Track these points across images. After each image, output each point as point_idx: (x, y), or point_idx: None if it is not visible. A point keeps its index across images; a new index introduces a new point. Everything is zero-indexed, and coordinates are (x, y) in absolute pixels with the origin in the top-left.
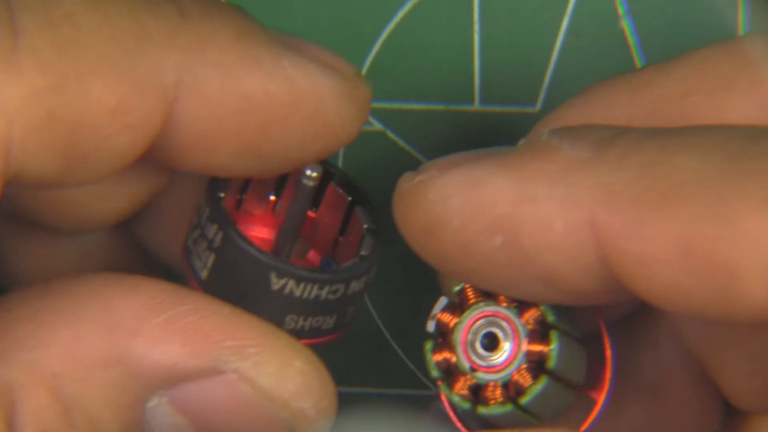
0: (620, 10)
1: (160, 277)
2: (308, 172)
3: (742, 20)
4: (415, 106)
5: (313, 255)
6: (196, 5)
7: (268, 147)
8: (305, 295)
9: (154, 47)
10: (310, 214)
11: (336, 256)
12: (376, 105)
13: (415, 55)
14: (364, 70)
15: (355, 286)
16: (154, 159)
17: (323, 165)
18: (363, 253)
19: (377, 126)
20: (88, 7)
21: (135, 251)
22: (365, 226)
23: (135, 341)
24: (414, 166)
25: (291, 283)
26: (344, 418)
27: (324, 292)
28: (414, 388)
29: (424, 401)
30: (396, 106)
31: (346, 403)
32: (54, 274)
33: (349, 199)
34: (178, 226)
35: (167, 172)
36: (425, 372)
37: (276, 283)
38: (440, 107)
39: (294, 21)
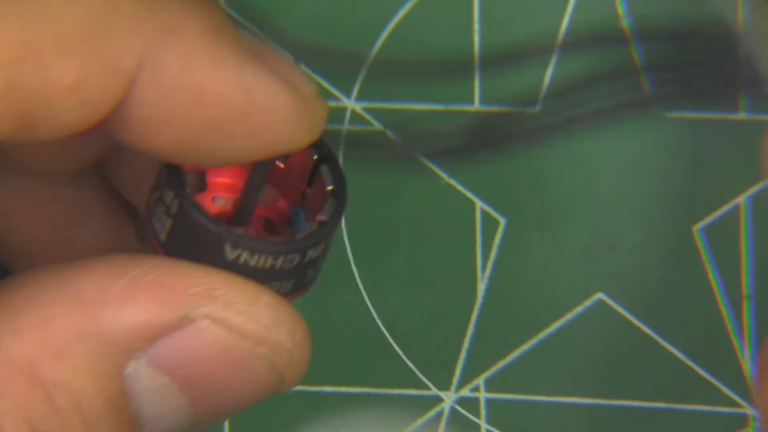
0: (620, 10)
1: (137, 223)
2: None
3: (742, 20)
4: (415, 106)
5: (282, 203)
6: None
7: (208, 145)
8: (260, 264)
9: (123, 28)
10: (279, 164)
11: (305, 207)
12: (376, 105)
13: (415, 55)
14: (364, 70)
15: (312, 253)
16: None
17: None
18: (322, 218)
19: (377, 126)
20: None
21: (112, 196)
22: (328, 187)
23: (102, 309)
24: (414, 166)
25: (245, 254)
26: (344, 418)
27: (279, 262)
28: (414, 388)
29: (424, 401)
30: (396, 106)
31: (346, 403)
32: (36, 221)
33: (315, 157)
34: (149, 171)
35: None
36: (425, 372)
37: (231, 253)
38: (440, 107)
39: (294, 21)
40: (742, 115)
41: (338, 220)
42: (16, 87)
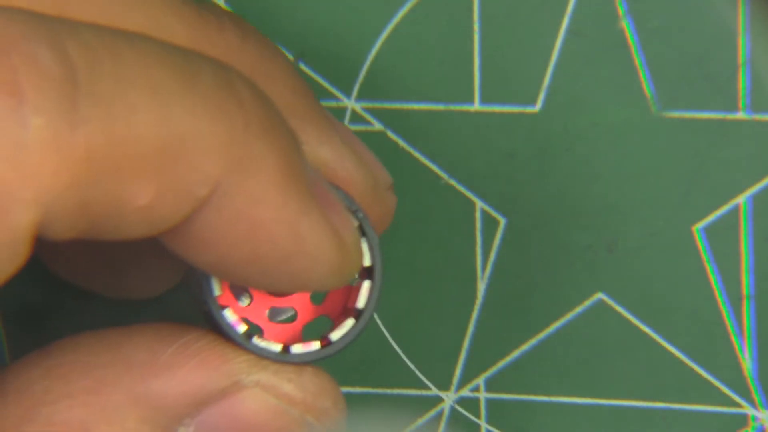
0: (620, 10)
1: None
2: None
3: (742, 20)
4: (415, 106)
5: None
6: (260, 121)
7: (248, 274)
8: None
9: (202, 156)
10: None
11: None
12: (376, 105)
13: (415, 55)
14: (364, 70)
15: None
16: None
17: None
18: (333, 339)
19: (377, 126)
20: (151, 101)
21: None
22: (357, 306)
23: (153, 374)
24: (414, 166)
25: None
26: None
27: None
28: (414, 388)
29: (424, 401)
30: (396, 106)
31: (346, 402)
32: None
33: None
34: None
35: None
36: (425, 372)
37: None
38: (440, 107)
39: (294, 21)
40: (742, 115)
41: (347, 345)
42: (89, 207)
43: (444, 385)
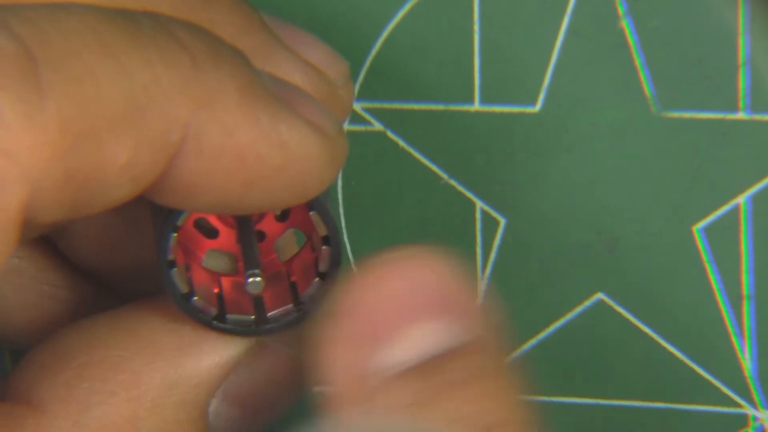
0: (620, 10)
1: (86, 287)
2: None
3: (742, 20)
4: (415, 106)
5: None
6: (205, 53)
7: (247, 200)
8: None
9: (166, 102)
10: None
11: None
12: (376, 105)
13: (415, 55)
14: (364, 70)
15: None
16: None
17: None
18: (300, 305)
19: (377, 126)
20: (106, 59)
21: (60, 262)
22: (315, 281)
23: (182, 355)
24: (414, 166)
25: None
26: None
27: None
28: None
29: None
30: (396, 106)
31: None
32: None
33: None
34: (100, 238)
35: None
36: None
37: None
38: (440, 107)
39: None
40: (742, 115)
41: (338, 268)
42: (74, 175)
43: None
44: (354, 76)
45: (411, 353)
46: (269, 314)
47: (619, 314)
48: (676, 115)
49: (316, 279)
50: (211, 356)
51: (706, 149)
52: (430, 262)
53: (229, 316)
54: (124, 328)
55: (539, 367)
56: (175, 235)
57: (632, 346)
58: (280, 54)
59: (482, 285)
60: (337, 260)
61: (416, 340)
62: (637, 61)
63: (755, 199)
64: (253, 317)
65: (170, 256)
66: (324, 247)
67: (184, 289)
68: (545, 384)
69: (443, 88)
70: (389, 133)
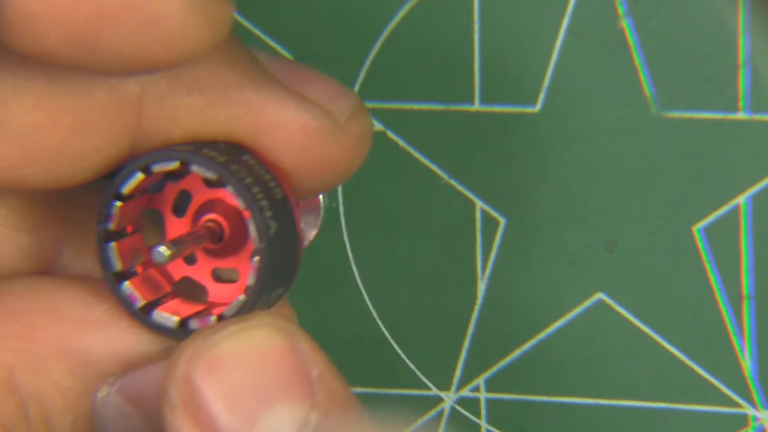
0: (620, 10)
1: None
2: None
3: (742, 20)
4: (415, 106)
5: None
6: None
7: (101, 42)
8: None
9: None
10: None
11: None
12: (377, 105)
13: (415, 55)
14: (364, 70)
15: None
16: None
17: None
18: (225, 314)
19: (377, 126)
20: None
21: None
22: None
23: (83, 330)
24: (414, 166)
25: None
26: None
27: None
28: (414, 388)
29: (424, 401)
30: (396, 106)
31: None
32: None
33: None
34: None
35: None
36: (425, 372)
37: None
38: (440, 107)
39: (294, 21)
40: (742, 115)
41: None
42: None
43: (444, 385)
44: (354, 76)
45: None
46: (192, 326)
47: (619, 314)
48: (676, 115)
49: (240, 296)
50: (114, 342)
51: (706, 149)
52: (270, 340)
53: (157, 313)
54: (43, 289)
55: (539, 367)
56: (119, 204)
57: (632, 346)
58: (270, 87)
59: (482, 285)
60: (265, 276)
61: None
62: (637, 61)
63: (755, 199)
64: (177, 320)
65: (110, 226)
66: (255, 259)
67: (117, 267)
68: (545, 384)
69: (443, 88)
70: (389, 133)
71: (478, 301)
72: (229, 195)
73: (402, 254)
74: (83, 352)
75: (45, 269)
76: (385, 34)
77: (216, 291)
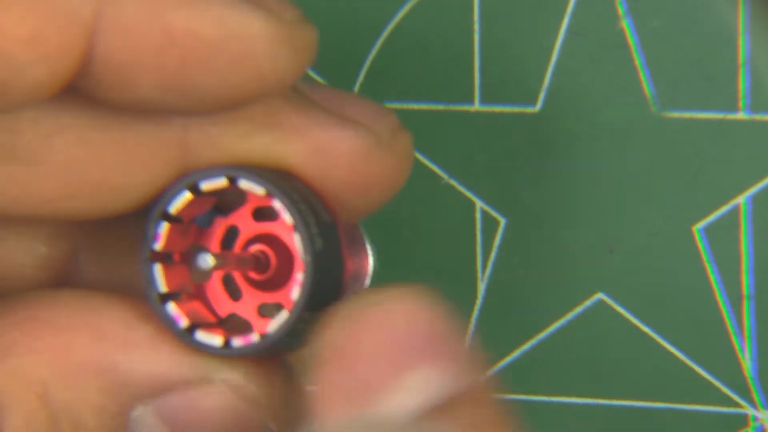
0: (620, 10)
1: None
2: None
3: (742, 20)
4: (415, 106)
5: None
6: None
7: (192, 85)
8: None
9: None
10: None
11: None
12: None
13: (415, 55)
14: (364, 70)
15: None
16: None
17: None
18: (269, 331)
19: None
20: None
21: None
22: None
23: (123, 351)
24: (414, 166)
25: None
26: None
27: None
28: None
29: None
30: (396, 106)
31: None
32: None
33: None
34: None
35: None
36: None
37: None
38: (440, 107)
39: None
40: (742, 115)
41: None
42: None
43: None
44: (354, 76)
45: (408, 403)
46: (234, 344)
47: (619, 314)
48: (676, 115)
49: (283, 311)
50: (153, 365)
51: (706, 149)
52: (418, 304)
53: (200, 333)
54: (86, 306)
55: (539, 367)
56: (167, 224)
57: (632, 346)
58: (312, 110)
59: (482, 285)
60: (310, 290)
61: (412, 389)
62: (637, 61)
63: (755, 199)
64: (221, 338)
65: (157, 247)
66: (299, 274)
67: (163, 288)
68: (545, 384)
69: (443, 88)
70: None
71: (478, 301)
72: (277, 229)
73: (402, 254)
74: (121, 372)
75: (61, 279)
76: (385, 34)
77: (261, 328)
